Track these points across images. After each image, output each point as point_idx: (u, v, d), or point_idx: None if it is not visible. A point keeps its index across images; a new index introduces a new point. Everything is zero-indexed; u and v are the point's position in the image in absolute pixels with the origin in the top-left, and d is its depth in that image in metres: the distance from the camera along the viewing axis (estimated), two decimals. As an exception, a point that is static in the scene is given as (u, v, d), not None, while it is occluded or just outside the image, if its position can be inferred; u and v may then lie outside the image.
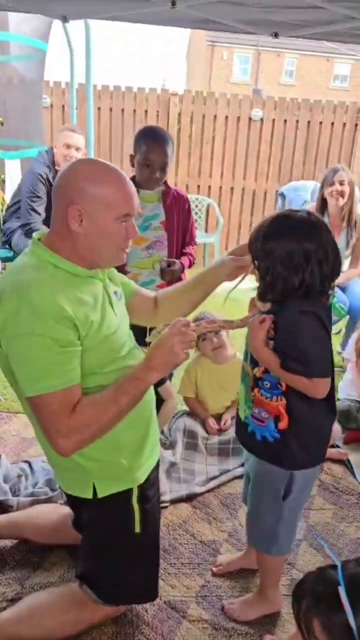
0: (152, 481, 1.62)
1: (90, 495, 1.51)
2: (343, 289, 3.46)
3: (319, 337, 1.43)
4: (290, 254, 1.38)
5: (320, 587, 1.00)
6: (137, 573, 1.61)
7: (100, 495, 1.50)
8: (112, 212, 1.36)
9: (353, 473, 2.55)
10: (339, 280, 3.47)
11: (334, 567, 1.04)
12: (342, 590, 0.96)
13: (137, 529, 1.55)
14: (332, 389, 1.50)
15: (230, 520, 2.22)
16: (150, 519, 1.59)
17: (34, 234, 1.47)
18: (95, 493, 1.50)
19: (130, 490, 1.53)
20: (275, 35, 2.94)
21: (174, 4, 2.67)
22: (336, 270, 1.45)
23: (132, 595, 1.67)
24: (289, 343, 1.42)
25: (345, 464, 2.61)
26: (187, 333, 1.35)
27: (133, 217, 1.42)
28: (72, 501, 1.68)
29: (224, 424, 2.72)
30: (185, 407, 2.84)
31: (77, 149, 2.81)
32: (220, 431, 2.69)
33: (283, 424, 1.51)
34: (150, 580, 1.66)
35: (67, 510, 1.91)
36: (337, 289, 3.25)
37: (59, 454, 1.37)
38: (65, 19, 3.08)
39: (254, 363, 1.53)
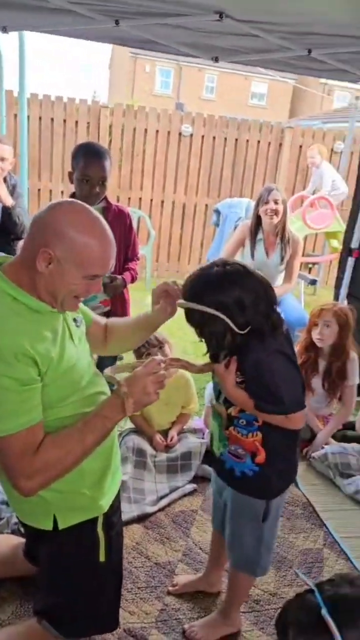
0: (115, 507, 1.59)
1: (50, 527, 1.46)
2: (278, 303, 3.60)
3: (287, 373, 1.47)
4: (225, 306, 1.39)
5: (303, 615, 1.02)
6: (100, 604, 1.57)
7: (61, 526, 1.46)
8: (83, 271, 1.30)
9: (297, 484, 2.64)
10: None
11: (311, 591, 1.07)
12: (325, 614, 0.98)
13: (102, 558, 1.52)
14: None
15: (184, 539, 2.22)
16: (115, 546, 1.56)
17: None
18: (55, 524, 1.45)
19: (95, 519, 1.50)
20: (216, 59, 3.02)
21: (117, 22, 2.68)
22: (272, 302, 1.46)
23: (95, 627, 1.62)
24: (259, 386, 1.45)
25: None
26: (161, 373, 1.35)
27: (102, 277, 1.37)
28: (29, 532, 1.61)
29: (171, 439, 2.72)
30: (130, 425, 2.81)
31: (3, 159, 2.72)
32: (168, 447, 2.70)
33: (260, 458, 1.54)
34: (112, 610, 1.63)
35: (17, 540, 1.83)
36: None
37: (21, 494, 1.31)
38: (4, 30, 2.99)
39: (228, 403, 1.54)
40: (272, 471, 1.56)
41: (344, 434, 2.97)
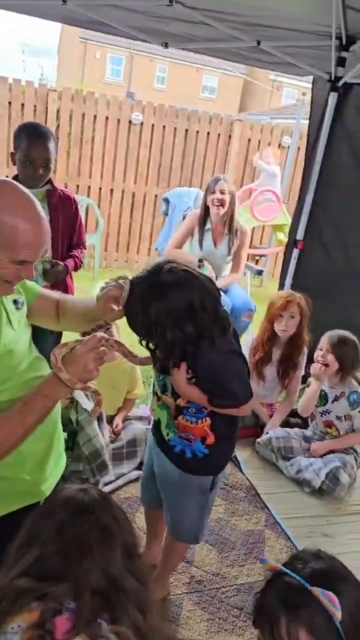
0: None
1: (-13, 514, 1.42)
2: (225, 291, 3.63)
3: (238, 369, 1.50)
4: (173, 313, 1.37)
5: (292, 597, 0.97)
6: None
7: (0, 513, 1.42)
8: (11, 255, 1.24)
9: (241, 469, 2.70)
10: (221, 284, 3.65)
11: (279, 574, 1.03)
12: (314, 589, 0.95)
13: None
14: None
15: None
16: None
17: None
18: (-6, 511, 1.42)
19: (37, 505, 1.47)
20: (166, 45, 3.00)
21: (64, 0, 2.61)
22: (217, 302, 1.46)
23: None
24: (213, 385, 1.47)
25: (233, 460, 2.75)
26: (101, 350, 1.33)
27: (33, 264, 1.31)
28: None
29: (116, 427, 2.71)
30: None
31: None
32: (114, 435, 2.69)
33: (210, 440, 1.58)
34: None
35: None
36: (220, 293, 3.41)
37: None
38: None
39: (176, 394, 1.55)
40: (220, 452, 1.62)
41: (287, 420, 3.06)
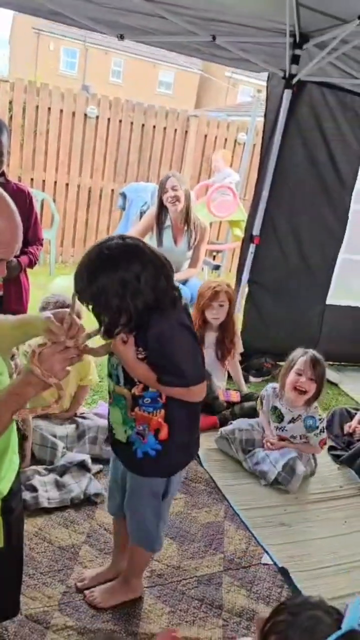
0: (14, 491, 1.53)
1: None
2: (184, 283, 3.65)
3: (189, 346, 1.48)
4: (123, 282, 1.35)
5: None
6: (0, 591, 1.51)
7: None
8: None
9: (200, 462, 2.71)
10: (180, 277, 3.67)
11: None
12: None
13: (0, 544, 1.46)
14: None
15: (88, 522, 2.20)
16: (15, 532, 1.51)
17: None
18: None
19: (-7, 503, 1.43)
20: (121, 37, 2.97)
21: (17, -13, 2.55)
22: (169, 275, 1.45)
23: (-7, 614, 1.56)
24: (161, 358, 1.44)
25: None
26: (69, 351, 1.29)
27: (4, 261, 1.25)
28: None
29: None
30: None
31: None
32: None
33: (163, 434, 1.55)
34: (12, 596, 1.58)
35: None
36: (179, 284, 3.42)
37: None
38: None
39: (130, 384, 1.53)
40: (174, 446, 1.57)
41: (242, 406, 3.13)
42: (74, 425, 2.65)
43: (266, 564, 2.14)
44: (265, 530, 2.33)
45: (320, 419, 2.72)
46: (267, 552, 2.19)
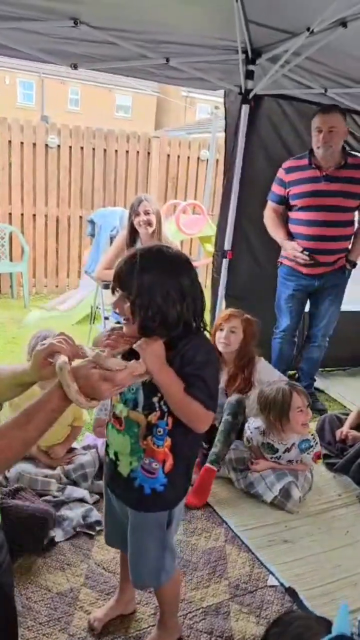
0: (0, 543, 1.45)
1: None
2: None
3: (217, 373, 1.48)
4: (174, 286, 1.36)
5: None
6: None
7: None
8: None
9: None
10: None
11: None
12: None
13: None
14: None
15: (85, 562, 2.12)
16: (2, 591, 1.41)
17: None
18: None
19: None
20: (75, 66, 2.97)
21: None
22: (203, 308, 1.46)
23: None
24: (196, 372, 1.39)
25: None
26: (121, 385, 1.19)
27: None
28: None
29: (56, 456, 2.60)
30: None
31: None
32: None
33: (168, 465, 1.48)
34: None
35: None
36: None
37: None
38: None
39: (149, 409, 1.45)
40: (179, 477, 1.51)
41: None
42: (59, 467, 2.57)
43: (273, 586, 2.08)
44: (268, 550, 2.27)
45: (313, 438, 2.69)
46: (272, 573, 2.13)
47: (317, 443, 2.70)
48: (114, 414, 1.54)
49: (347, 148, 3.46)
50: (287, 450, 2.65)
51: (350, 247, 3.41)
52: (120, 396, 1.50)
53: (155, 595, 1.77)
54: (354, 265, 3.45)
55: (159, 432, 1.46)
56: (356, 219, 3.45)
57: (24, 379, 1.36)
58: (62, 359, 1.20)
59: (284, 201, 3.37)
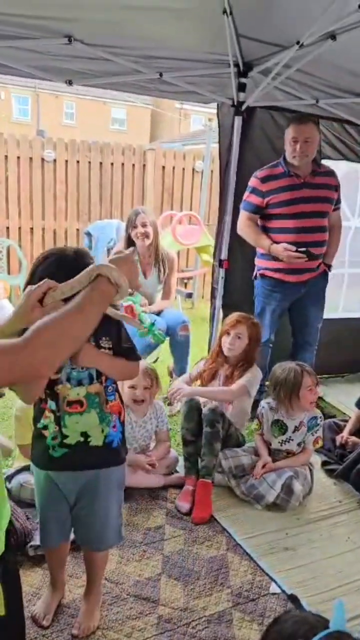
0: (10, 546, 1.46)
1: None
2: (158, 314, 3.63)
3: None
4: None
5: None
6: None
7: None
8: None
9: (195, 495, 2.65)
10: (153, 308, 3.65)
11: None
12: None
13: (2, 612, 1.38)
14: None
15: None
16: (13, 594, 1.42)
17: None
18: None
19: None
20: (70, 82, 3.01)
21: None
22: None
23: None
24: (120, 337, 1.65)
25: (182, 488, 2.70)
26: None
27: None
28: None
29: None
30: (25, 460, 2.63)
31: None
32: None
33: (123, 415, 1.71)
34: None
35: None
36: (154, 316, 3.39)
37: None
38: None
39: (99, 374, 1.64)
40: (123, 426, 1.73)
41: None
42: None
43: (275, 593, 2.08)
44: (270, 557, 2.28)
45: (320, 416, 2.83)
46: (274, 580, 2.14)
47: (321, 422, 2.82)
48: (68, 402, 1.63)
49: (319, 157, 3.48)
50: (297, 428, 2.74)
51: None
52: (69, 382, 1.63)
53: (96, 559, 1.86)
54: (330, 268, 3.50)
55: (110, 389, 1.66)
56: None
57: (10, 330, 1.31)
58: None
59: (259, 211, 3.33)
